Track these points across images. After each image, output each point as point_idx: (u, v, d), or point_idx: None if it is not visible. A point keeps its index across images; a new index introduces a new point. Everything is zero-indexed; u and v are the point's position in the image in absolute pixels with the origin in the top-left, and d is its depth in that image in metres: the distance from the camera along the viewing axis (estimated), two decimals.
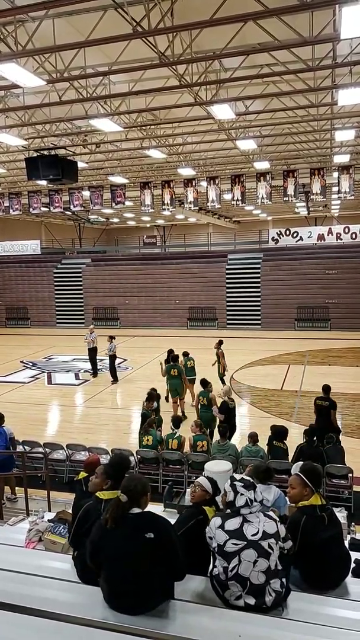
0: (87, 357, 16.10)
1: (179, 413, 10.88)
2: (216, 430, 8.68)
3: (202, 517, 3.34)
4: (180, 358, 12.13)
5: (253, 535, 2.90)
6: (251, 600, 2.81)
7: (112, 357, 15.09)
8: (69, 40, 7.85)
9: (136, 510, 2.72)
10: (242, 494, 3.03)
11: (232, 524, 2.93)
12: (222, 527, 2.93)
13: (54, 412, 13.26)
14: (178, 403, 11.45)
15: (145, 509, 2.80)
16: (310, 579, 3.32)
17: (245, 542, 2.85)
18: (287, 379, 14.92)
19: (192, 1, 7.23)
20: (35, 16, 7.49)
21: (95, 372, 16.15)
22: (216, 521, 2.98)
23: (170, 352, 12.50)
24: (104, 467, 3.51)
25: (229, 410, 9.10)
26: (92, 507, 3.20)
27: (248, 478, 3.23)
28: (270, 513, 3.09)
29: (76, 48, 8.14)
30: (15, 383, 15.55)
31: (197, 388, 10.35)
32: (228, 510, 3.04)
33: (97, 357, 16.18)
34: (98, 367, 16.24)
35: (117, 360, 17.72)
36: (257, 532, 2.91)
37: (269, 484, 4.52)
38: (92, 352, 15.95)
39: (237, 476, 3.26)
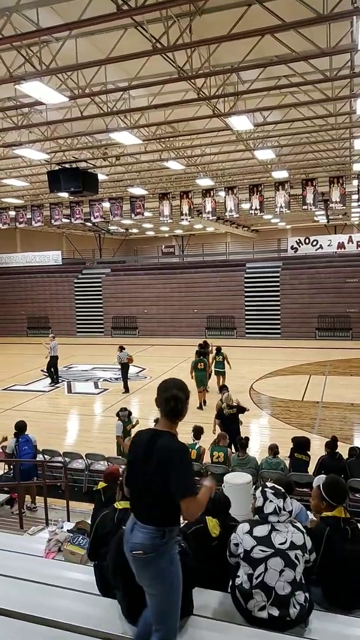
0: (108, 366, 16.21)
1: (202, 401, 12.51)
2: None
3: (202, 527, 3.34)
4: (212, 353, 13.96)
5: (281, 544, 2.89)
6: (275, 612, 2.79)
7: (125, 366, 15.22)
8: (90, 58, 8.04)
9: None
10: (271, 501, 3.03)
11: (261, 530, 2.92)
12: (250, 532, 2.92)
13: (73, 421, 13.38)
14: (202, 392, 12.78)
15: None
16: (333, 596, 3.24)
17: (273, 550, 2.84)
18: (308, 390, 14.76)
19: (210, 17, 7.35)
20: (59, 37, 7.70)
21: (53, 380, 16.41)
22: (244, 527, 2.97)
23: (201, 345, 13.95)
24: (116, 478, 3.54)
25: (223, 417, 9.13)
26: (108, 517, 3.23)
27: (279, 487, 3.22)
28: (298, 524, 3.08)
29: (97, 65, 8.34)
30: (36, 392, 15.74)
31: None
32: (256, 517, 3.03)
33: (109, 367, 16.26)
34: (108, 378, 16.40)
35: (136, 370, 17.93)
36: (285, 542, 2.90)
37: (290, 497, 4.48)
38: (53, 359, 16.29)
39: (269, 484, 3.25)
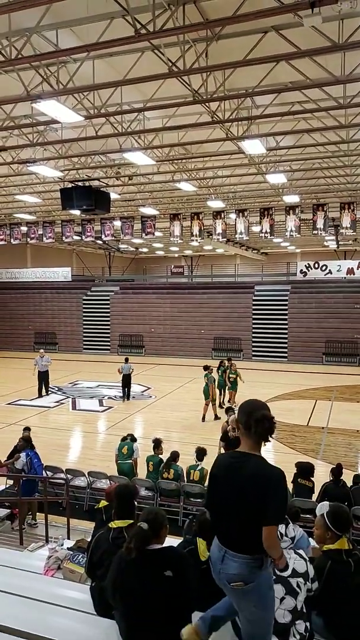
0: (113, 383, 16.32)
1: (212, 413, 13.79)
2: None
3: (193, 548, 3.28)
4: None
5: (281, 571, 2.80)
6: None
7: (127, 377, 16.28)
8: (107, 78, 8.22)
9: (156, 545, 2.63)
10: None
11: None
12: None
13: (76, 438, 13.27)
14: (209, 405, 13.82)
15: (164, 544, 2.72)
16: (335, 628, 3.15)
17: (274, 577, 2.75)
18: (313, 415, 14.59)
19: (226, 42, 7.50)
20: (77, 57, 7.89)
21: (40, 393, 16.92)
22: None
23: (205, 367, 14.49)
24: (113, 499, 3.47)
25: (228, 440, 9.04)
26: (102, 537, 3.18)
27: None
28: (301, 552, 2.99)
29: (114, 87, 8.52)
30: (41, 407, 15.68)
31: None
32: None
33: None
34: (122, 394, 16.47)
35: (141, 389, 17.91)
36: (287, 569, 2.82)
37: (292, 524, 4.37)
38: (44, 375, 16.95)
39: None
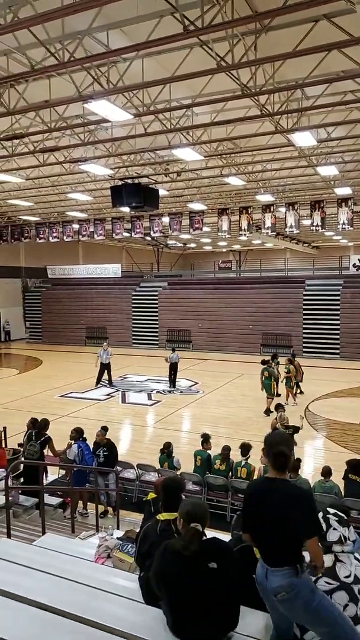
0: (161, 378, 16.60)
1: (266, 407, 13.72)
2: None
3: (245, 545, 3.23)
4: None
5: (346, 577, 2.76)
6: None
7: (173, 366, 17.55)
8: (156, 76, 8.28)
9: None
10: (335, 529, 2.90)
11: (325, 560, 2.78)
12: None
13: (126, 430, 13.55)
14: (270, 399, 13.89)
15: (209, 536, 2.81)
16: None
17: (339, 583, 2.73)
18: None
19: (275, 34, 7.36)
20: (127, 57, 8.00)
21: (98, 383, 17.78)
22: (306, 556, 2.88)
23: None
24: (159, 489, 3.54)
25: None
26: (150, 529, 3.24)
27: (342, 514, 3.09)
28: (359, 556, 2.93)
29: (162, 84, 8.57)
30: (92, 400, 16.11)
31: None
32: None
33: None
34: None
35: (188, 383, 18.06)
36: (350, 575, 2.77)
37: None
38: (106, 366, 17.82)
39: (331, 510, 3.11)
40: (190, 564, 2.60)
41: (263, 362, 14.60)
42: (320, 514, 2.99)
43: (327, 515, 2.96)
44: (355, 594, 2.73)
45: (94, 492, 7.62)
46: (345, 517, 3.03)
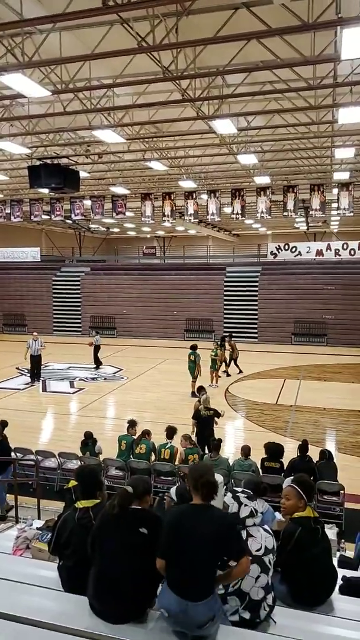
0: (84, 365, 16.21)
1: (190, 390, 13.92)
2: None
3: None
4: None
5: (257, 550, 2.92)
6: (247, 615, 2.85)
7: (97, 348, 18.24)
8: (75, 52, 7.97)
9: (136, 506, 2.89)
10: (245, 505, 3.05)
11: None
12: None
13: (47, 420, 13.21)
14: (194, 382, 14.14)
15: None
16: (298, 594, 3.30)
17: (251, 557, 2.86)
18: (282, 394, 14.91)
19: (197, 18, 7.37)
20: (43, 29, 7.61)
21: (33, 379, 16.23)
22: None
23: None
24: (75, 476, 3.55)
25: (200, 418, 9.20)
26: (69, 517, 3.23)
27: (248, 490, 3.24)
28: (267, 527, 3.10)
29: (82, 61, 8.27)
30: (10, 389, 15.50)
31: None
32: None
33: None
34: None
35: (112, 370, 17.94)
36: (260, 548, 2.94)
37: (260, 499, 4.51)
38: (37, 358, 16.14)
39: (239, 489, 3.28)
40: (122, 525, 2.79)
41: (192, 347, 14.77)
42: (230, 495, 3.13)
43: (237, 495, 3.12)
44: (266, 564, 2.91)
45: (12, 484, 7.36)
46: (251, 493, 3.18)
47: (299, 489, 3.46)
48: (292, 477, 3.93)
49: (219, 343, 16.35)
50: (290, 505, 3.47)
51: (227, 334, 18.49)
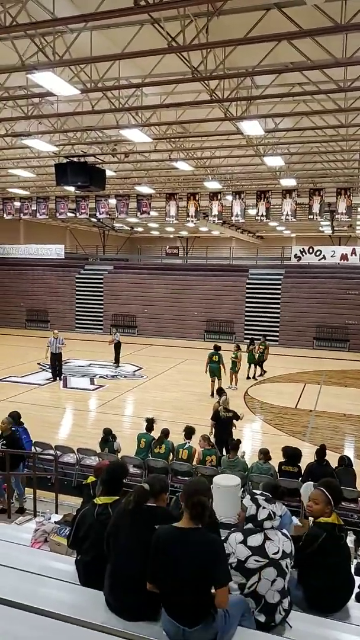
0: (105, 363, 16.30)
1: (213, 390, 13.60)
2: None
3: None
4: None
5: (274, 553, 2.90)
6: (262, 618, 2.84)
7: (118, 345, 18.32)
8: (104, 52, 8.04)
9: (151, 504, 2.91)
10: (264, 507, 3.03)
11: (255, 540, 2.93)
12: (244, 542, 2.93)
13: (67, 415, 13.35)
14: (215, 382, 14.15)
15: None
16: (314, 600, 3.26)
17: (267, 560, 2.86)
18: (302, 398, 14.76)
19: (227, 19, 7.34)
20: (74, 28, 7.70)
21: (55, 376, 16.16)
22: (237, 536, 2.96)
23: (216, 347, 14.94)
24: (102, 474, 3.54)
25: (219, 420, 9.19)
26: (88, 512, 3.26)
27: (267, 493, 3.22)
28: (285, 531, 3.08)
29: (111, 60, 8.33)
30: (31, 384, 15.71)
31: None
32: (249, 525, 3.02)
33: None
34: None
35: (132, 368, 18.04)
36: (278, 551, 2.92)
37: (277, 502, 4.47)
38: (57, 356, 16.06)
39: (257, 491, 3.26)
40: (138, 522, 2.80)
41: (215, 348, 14.67)
42: (249, 497, 3.11)
43: (255, 497, 3.09)
44: (283, 568, 2.89)
45: (31, 477, 7.45)
46: (271, 496, 3.16)
47: (327, 494, 3.40)
48: (310, 483, 3.87)
49: (249, 343, 16.85)
50: (317, 510, 3.40)
51: (259, 337, 18.30)
